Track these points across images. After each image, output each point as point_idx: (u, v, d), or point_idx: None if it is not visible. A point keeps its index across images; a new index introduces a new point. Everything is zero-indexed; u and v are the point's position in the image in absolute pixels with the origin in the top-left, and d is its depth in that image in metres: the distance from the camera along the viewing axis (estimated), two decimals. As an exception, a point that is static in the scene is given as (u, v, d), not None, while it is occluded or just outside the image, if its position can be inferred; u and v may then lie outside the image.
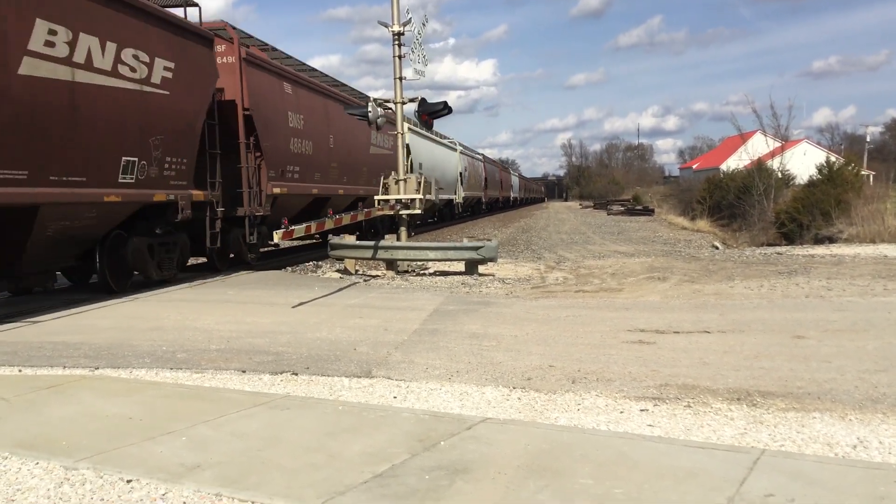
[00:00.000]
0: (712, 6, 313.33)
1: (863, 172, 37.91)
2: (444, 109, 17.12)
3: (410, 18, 16.50)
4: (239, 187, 16.17)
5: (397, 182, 16.97)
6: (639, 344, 8.07)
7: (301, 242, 24.70)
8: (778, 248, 22.77)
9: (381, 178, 17.47)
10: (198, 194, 14.59)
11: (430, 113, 17.15)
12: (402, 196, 16.85)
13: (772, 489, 3.98)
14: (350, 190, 23.42)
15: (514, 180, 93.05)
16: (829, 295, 11.32)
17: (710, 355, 7.44)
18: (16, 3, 9.88)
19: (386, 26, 16.52)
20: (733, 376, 6.62)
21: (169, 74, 13.40)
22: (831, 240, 24.56)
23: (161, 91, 13.20)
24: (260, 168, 16.83)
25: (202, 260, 17.13)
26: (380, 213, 17.18)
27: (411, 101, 17.06)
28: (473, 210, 54.73)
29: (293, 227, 13.42)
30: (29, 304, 12.06)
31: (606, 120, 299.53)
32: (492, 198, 64.31)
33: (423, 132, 36.07)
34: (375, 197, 17.32)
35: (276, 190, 17.50)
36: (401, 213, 16.99)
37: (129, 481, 4.29)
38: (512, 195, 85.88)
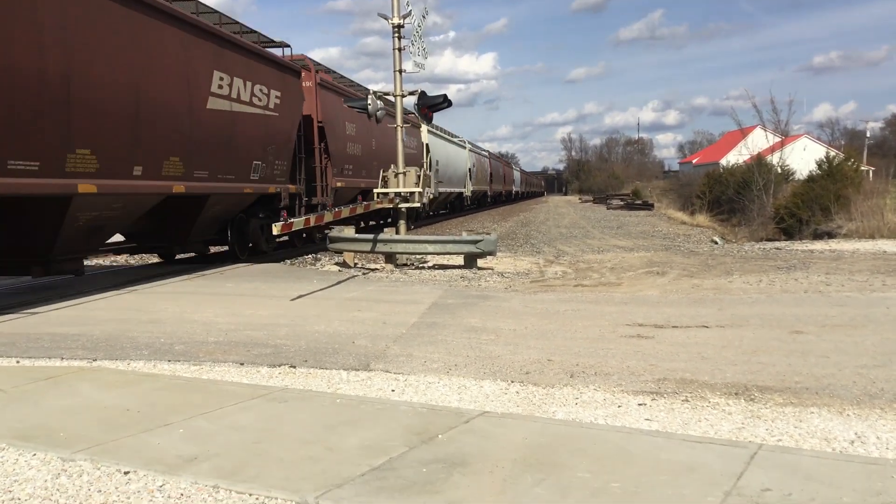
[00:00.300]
0: (713, 0, 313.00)
1: (862, 168, 37.89)
2: (444, 102, 17.10)
3: (410, 11, 16.48)
4: (312, 182, 20.66)
5: (396, 175, 16.96)
6: (637, 338, 8.07)
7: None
8: (777, 243, 22.77)
9: (381, 172, 17.47)
10: (292, 188, 19.20)
11: (429, 106, 17.13)
12: (401, 189, 16.84)
13: (769, 484, 3.98)
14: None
15: (517, 175, 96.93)
16: (828, 290, 11.32)
17: (709, 350, 7.45)
18: (205, 61, 14.61)
19: (386, 18, 16.49)
20: (731, 371, 6.62)
21: (278, 101, 17.87)
22: (830, 235, 24.55)
23: (273, 113, 17.69)
24: (327, 167, 21.36)
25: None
26: (379, 206, 17.17)
27: (411, 93, 17.03)
28: (479, 203, 57.93)
29: (292, 220, 13.41)
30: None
31: (607, 114, 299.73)
32: (496, 191, 67.85)
33: (440, 133, 40.88)
34: (375, 190, 17.32)
35: (339, 184, 22.10)
36: (400, 206, 16.98)
37: (126, 473, 4.29)
38: (514, 189, 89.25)
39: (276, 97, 17.67)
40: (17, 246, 11.42)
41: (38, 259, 11.52)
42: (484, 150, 65.61)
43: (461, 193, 46.68)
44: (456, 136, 49.57)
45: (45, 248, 11.44)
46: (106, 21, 11.61)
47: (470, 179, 49.21)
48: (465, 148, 49.26)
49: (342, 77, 26.00)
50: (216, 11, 16.37)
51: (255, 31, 18.10)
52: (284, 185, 18.65)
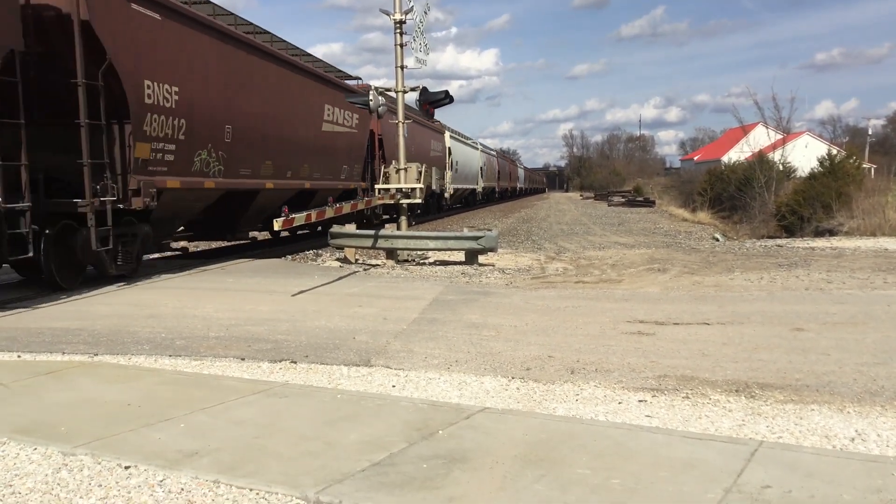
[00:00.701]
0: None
1: (864, 165, 37.88)
2: (446, 98, 17.10)
3: (412, 7, 16.46)
4: (375, 181, 22.18)
5: (398, 171, 16.96)
6: (638, 335, 8.07)
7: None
8: (778, 241, 22.75)
9: (383, 168, 17.46)
10: (363, 184, 24.71)
11: (431, 102, 17.13)
12: (402, 185, 16.84)
13: (769, 481, 3.98)
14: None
15: (521, 172, 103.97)
16: (829, 287, 11.31)
17: (710, 347, 7.45)
18: (322, 98, 20.88)
19: (388, 14, 16.47)
20: (732, 368, 6.62)
21: (356, 121, 23.77)
22: (832, 232, 24.54)
23: (354, 131, 23.79)
24: (381, 169, 22.14)
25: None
26: (380, 202, 17.16)
27: (413, 89, 17.03)
28: (488, 198, 61.90)
29: (293, 216, 13.40)
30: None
31: (608, 111, 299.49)
32: (503, 188, 73.22)
33: (459, 137, 47.61)
34: (377, 186, 17.32)
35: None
36: (401, 202, 16.97)
37: (126, 467, 4.30)
38: (519, 185, 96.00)
39: (356, 119, 23.73)
40: (219, 223, 17.36)
41: (229, 230, 17.93)
42: (493, 151, 71.01)
43: (474, 190, 52.77)
44: (469, 139, 54.84)
45: (234, 223, 17.66)
46: (272, 78, 17.61)
47: (481, 177, 54.79)
48: (477, 149, 54.55)
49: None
50: (298, 48, 20.74)
51: (336, 68, 23.77)
52: (358, 182, 24.37)
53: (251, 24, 17.81)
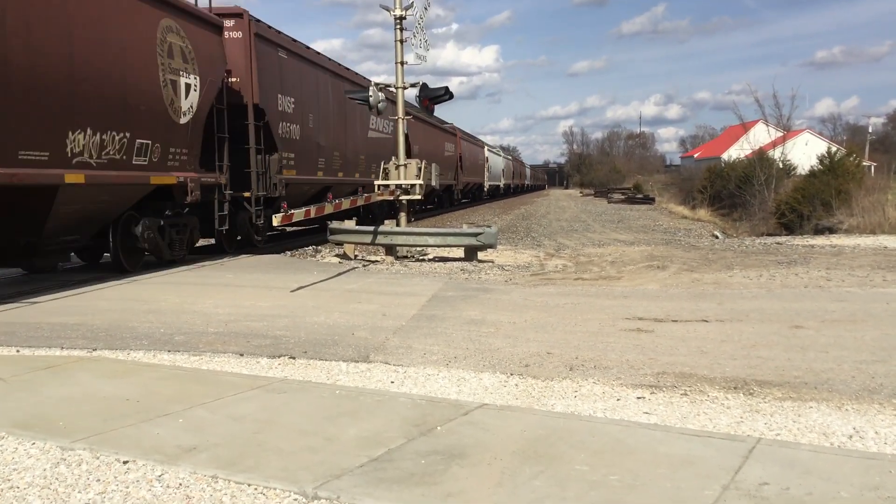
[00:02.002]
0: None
1: (864, 163, 37.88)
2: (446, 95, 17.09)
3: (413, 2, 16.42)
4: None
5: (398, 167, 16.95)
6: (637, 332, 8.07)
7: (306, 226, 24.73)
8: (778, 238, 22.75)
9: (382, 164, 17.46)
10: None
11: (431, 98, 17.11)
12: (402, 181, 16.83)
13: (767, 478, 3.99)
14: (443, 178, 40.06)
15: (527, 171, 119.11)
16: (828, 285, 11.32)
17: (708, 344, 7.45)
18: (368, 114, 24.29)
19: (388, 10, 16.44)
20: (731, 365, 6.63)
21: (391, 128, 25.14)
22: (831, 230, 24.55)
23: (389, 136, 27.00)
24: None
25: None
26: (380, 198, 17.15)
27: (412, 85, 17.01)
28: (492, 194, 69.21)
29: (293, 211, 13.39)
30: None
31: (609, 108, 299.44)
32: (508, 185, 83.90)
33: (493, 149, 71.83)
34: (376, 182, 17.32)
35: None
36: (401, 198, 16.96)
37: (125, 462, 4.30)
38: (525, 182, 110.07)
39: (391, 126, 25.10)
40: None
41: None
42: (509, 156, 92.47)
43: (497, 186, 71.28)
44: (498, 148, 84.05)
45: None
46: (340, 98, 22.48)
47: (503, 177, 75.14)
48: (499, 156, 76.26)
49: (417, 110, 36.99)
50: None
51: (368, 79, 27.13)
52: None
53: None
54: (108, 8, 12.08)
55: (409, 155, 18.84)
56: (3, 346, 7.62)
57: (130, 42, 12.62)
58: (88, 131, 11.52)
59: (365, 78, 26.35)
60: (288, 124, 18.93)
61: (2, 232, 11.32)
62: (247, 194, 16.89)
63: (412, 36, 16.55)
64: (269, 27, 18.38)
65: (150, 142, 13.19)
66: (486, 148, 63.30)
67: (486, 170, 62.36)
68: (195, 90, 14.68)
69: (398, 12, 16.35)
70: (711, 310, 9.31)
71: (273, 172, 17.70)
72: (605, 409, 5.50)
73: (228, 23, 16.55)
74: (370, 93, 16.47)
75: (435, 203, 44.03)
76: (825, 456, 4.39)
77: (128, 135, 12.50)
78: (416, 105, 19.09)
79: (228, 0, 17.18)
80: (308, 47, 21.61)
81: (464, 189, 52.29)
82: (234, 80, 16.71)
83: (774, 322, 8.48)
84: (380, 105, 16.58)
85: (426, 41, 16.72)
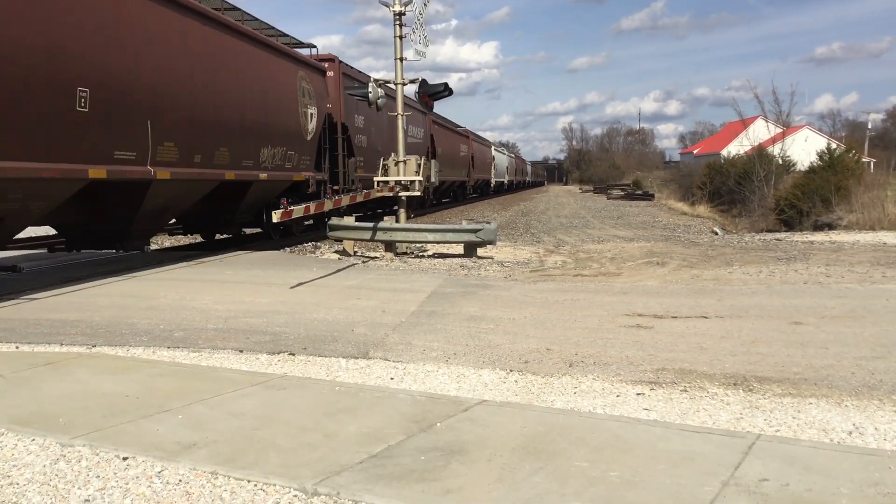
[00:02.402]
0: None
1: (864, 159, 37.85)
2: (445, 91, 17.09)
3: (412, -1, 16.41)
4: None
5: (396, 164, 16.94)
6: (636, 328, 8.07)
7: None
8: (777, 235, 22.75)
9: (382, 161, 17.45)
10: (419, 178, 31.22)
11: (430, 94, 17.12)
12: (401, 177, 16.82)
13: (766, 474, 3.99)
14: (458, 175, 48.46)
15: (528, 168, 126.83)
16: (828, 281, 11.32)
17: (708, 340, 7.45)
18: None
19: (387, 6, 16.43)
20: (730, 361, 6.63)
21: (423, 133, 33.71)
22: (831, 226, 24.53)
23: (421, 141, 33.31)
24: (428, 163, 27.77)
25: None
26: (379, 194, 17.15)
27: (412, 82, 17.01)
28: (497, 190, 74.02)
29: (292, 208, 13.40)
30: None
31: (608, 104, 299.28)
32: (518, 180, 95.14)
33: (499, 148, 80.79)
34: (375, 178, 17.31)
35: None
36: (400, 194, 16.96)
37: (125, 459, 4.30)
38: (527, 179, 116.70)
39: (423, 132, 35.08)
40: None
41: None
42: (512, 154, 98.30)
43: (502, 182, 77.17)
44: (502, 146, 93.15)
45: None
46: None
47: (507, 173, 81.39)
48: (504, 154, 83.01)
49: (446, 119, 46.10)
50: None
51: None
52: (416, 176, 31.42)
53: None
54: (279, 72, 18.82)
55: (433, 156, 19.69)
56: (2, 342, 7.61)
57: (286, 91, 19.15)
58: (269, 147, 18.03)
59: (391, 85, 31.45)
60: (360, 136, 25.91)
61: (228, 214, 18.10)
62: (336, 187, 22.91)
63: (411, 32, 16.57)
64: (350, 66, 25.95)
65: (294, 153, 19.75)
66: (492, 147, 71.46)
67: (492, 167, 66.89)
68: (314, 117, 21.12)
69: (397, 8, 16.34)
70: (711, 306, 9.31)
71: (351, 171, 24.14)
72: (605, 405, 5.50)
73: (326, 65, 23.06)
74: (370, 89, 16.46)
75: (451, 197, 50.29)
76: (825, 452, 4.39)
77: (285, 149, 19.03)
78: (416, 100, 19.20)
79: (324, 47, 22.94)
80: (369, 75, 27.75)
81: (474, 185, 57.60)
82: (329, 105, 22.74)
83: (774, 318, 8.48)
84: (379, 101, 16.57)
85: (425, 37, 16.73)
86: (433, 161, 18.64)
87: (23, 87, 10.14)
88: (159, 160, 13.36)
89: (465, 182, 51.54)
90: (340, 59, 24.77)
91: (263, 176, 17.78)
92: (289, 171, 19.57)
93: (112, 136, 12.17)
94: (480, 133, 79.93)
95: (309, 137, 20.55)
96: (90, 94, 11.36)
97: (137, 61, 12.70)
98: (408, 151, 26.95)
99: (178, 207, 15.94)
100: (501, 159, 76.74)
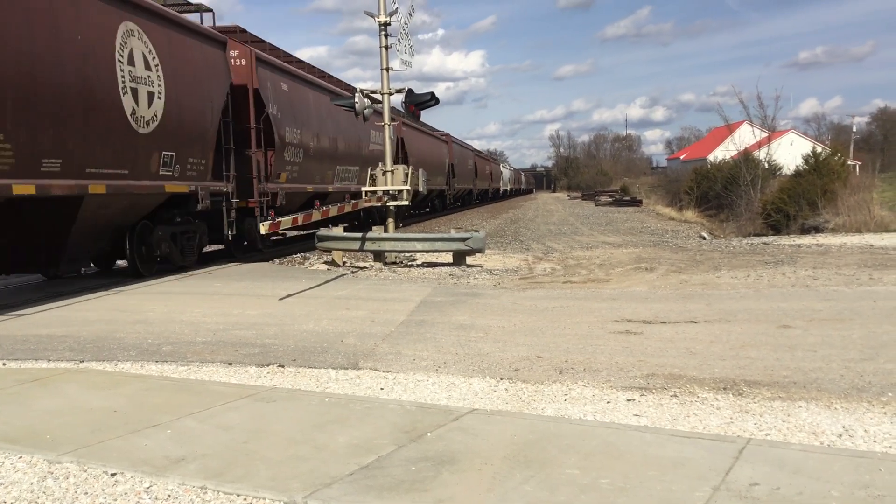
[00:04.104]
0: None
1: (849, 162, 38.10)
2: (432, 100, 17.10)
3: (397, 8, 16.45)
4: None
5: (385, 173, 16.93)
6: (626, 334, 8.08)
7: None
8: (765, 238, 22.85)
9: (370, 170, 17.44)
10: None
11: (417, 103, 17.12)
12: (389, 187, 16.82)
13: (757, 478, 3.99)
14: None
15: (522, 177, 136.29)
16: (815, 284, 11.37)
17: (697, 345, 7.46)
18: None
19: (372, 16, 16.45)
20: (720, 366, 6.64)
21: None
22: (817, 229, 24.66)
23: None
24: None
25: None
26: (366, 204, 17.13)
27: (398, 91, 17.02)
28: (493, 196, 78.50)
29: (280, 219, 13.37)
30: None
31: (595, 111, 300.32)
32: (514, 188, 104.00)
33: (505, 163, 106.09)
34: (363, 188, 17.30)
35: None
36: (388, 204, 16.95)
37: (113, 475, 4.27)
38: (521, 187, 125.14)
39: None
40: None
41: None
42: (512, 166, 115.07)
43: (505, 190, 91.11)
44: (503, 160, 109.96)
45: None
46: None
47: (506, 182, 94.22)
48: (504, 166, 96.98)
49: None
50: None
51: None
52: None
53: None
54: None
55: (405, 162, 18.67)
56: (-12, 359, 7.55)
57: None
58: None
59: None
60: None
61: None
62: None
63: (397, 42, 16.58)
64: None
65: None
66: (501, 165, 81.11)
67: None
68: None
69: (383, 18, 16.36)
70: (700, 311, 9.33)
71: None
72: (596, 411, 5.50)
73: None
74: (356, 99, 16.47)
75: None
76: (815, 455, 4.40)
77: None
78: (404, 111, 19.14)
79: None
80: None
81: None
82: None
83: (762, 322, 8.51)
84: (366, 111, 16.57)
85: (411, 47, 16.76)
86: (420, 170, 18.62)
87: None
88: None
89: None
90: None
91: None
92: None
93: None
94: (469, 141, 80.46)
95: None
96: None
97: None
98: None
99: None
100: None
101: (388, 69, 16.67)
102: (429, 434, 4.84)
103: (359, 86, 18.51)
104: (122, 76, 12.63)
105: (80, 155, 11.60)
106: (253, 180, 17.51)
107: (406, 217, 34.84)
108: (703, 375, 6.34)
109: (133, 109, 12.91)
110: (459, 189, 54.64)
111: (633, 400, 5.77)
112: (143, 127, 13.29)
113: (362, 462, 4.34)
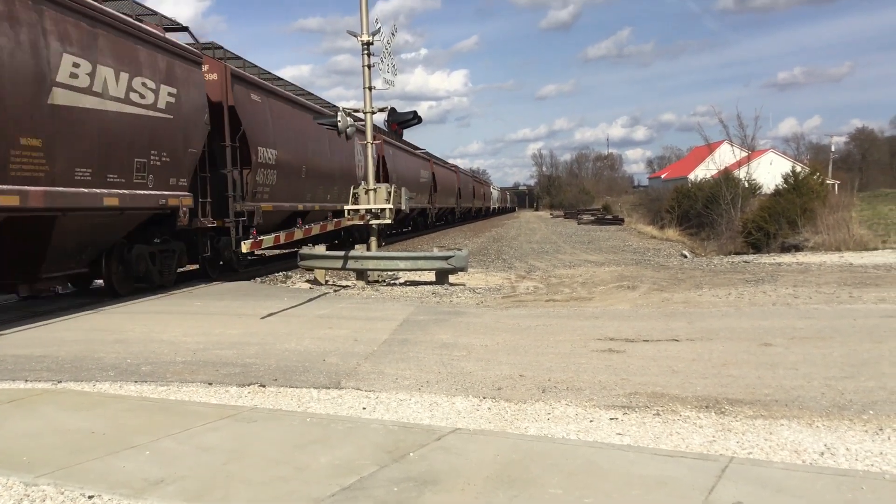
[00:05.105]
0: (679, 18, 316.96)
1: (828, 181, 38.44)
2: (414, 119, 17.12)
3: (380, 28, 16.48)
4: None
5: (367, 192, 16.92)
6: (608, 352, 8.08)
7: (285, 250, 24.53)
8: (745, 257, 23.00)
9: (352, 189, 17.41)
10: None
11: (399, 122, 17.14)
12: (371, 206, 16.80)
13: (740, 497, 3.99)
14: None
15: (509, 196, 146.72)
16: (796, 302, 11.43)
17: (679, 363, 7.47)
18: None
19: (355, 36, 16.49)
20: (702, 384, 6.65)
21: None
22: (797, 248, 24.83)
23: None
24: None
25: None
26: (349, 223, 17.10)
27: (381, 110, 17.04)
28: (476, 215, 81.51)
29: (262, 238, 13.30)
30: None
31: (577, 130, 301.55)
32: (501, 207, 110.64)
33: (498, 187, 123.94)
34: (345, 207, 17.27)
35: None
36: (371, 222, 16.93)
37: (90, 497, 4.20)
38: (507, 205, 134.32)
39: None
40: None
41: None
42: (499, 187, 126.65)
43: (489, 207, 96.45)
44: (491, 182, 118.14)
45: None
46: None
47: (497, 202, 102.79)
48: (495, 187, 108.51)
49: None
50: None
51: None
52: None
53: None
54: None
55: (386, 180, 18.17)
56: (-36, 379, 7.44)
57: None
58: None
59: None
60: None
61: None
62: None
63: (380, 61, 16.59)
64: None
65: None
66: (491, 186, 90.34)
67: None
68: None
69: (365, 38, 16.40)
70: (682, 329, 9.36)
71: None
72: (579, 430, 5.48)
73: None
74: (339, 118, 16.46)
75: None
76: (797, 473, 4.40)
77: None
78: (385, 129, 19.13)
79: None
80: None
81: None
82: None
83: (744, 340, 8.54)
84: (348, 130, 16.57)
85: (394, 66, 16.77)
86: (403, 189, 18.60)
87: None
88: None
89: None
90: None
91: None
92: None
93: None
94: (452, 160, 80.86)
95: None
96: None
97: None
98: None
99: None
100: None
101: (370, 88, 16.69)
102: (411, 454, 4.80)
103: (341, 104, 18.53)
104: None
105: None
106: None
107: (388, 235, 34.23)
108: (686, 394, 6.35)
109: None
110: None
111: (616, 419, 5.76)
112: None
113: (344, 483, 4.30)
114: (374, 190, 16.87)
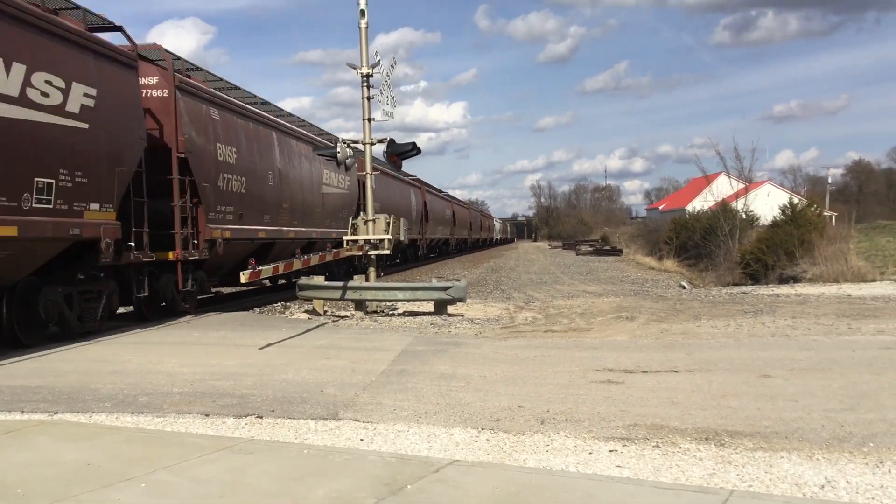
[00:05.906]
0: (675, 52, 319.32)
1: (825, 213, 38.57)
2: (413, 150, 17.21)
3: (379, 61, 16.63)
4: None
5: (366, 223, 16.95)
6: (607, 384, 8.05)
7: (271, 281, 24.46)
8: (744, 288, 23.00)
9: (351, 220, 17.44)
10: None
11: (398, 153, 17.22)
12: (370, 237, 16.83)
13: (741, 530, 3.95)
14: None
15: (508, 227, 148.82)
16: (795, 334, 11.42)
17: (678, 395, 7.44)
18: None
19: (355, 68, 16.62)
20: (701, 416, 6.62)
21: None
22: (796, 279, 24.83)
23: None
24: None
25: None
26: (347, 253, 17.11)
27: (380, 141, 17.12)
28: (484, 244, 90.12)
29: (260, 268, 13.29)
30: None
31: (575, 161, 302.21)
32: (502, 238, 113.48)
33: (498, 218, 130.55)
34: (345, 237, 17.29)
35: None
36: (370, 253, 16.94)
37: (85, 530, 4.16)
38: (507, 236, 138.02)
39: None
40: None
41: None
42: (500, 219, 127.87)
43: (492, 237, 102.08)
44: (484, 207, 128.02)
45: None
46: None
47: (498, 232, 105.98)
48: (497, 219, 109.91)
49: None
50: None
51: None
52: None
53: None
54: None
55: (365, 209, 17.63)
56: (-40, 410, 7.39)
57: None
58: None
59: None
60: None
61: None
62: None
63: (379, 93, 16.72)
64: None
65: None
66: (495, 218, 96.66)
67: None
68: None
69: (365, 70, 16.54)
70: (681, 360, 9.33)
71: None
72: (578, 463, 5.44)
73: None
74: (338, 149, 16.55)
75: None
76: (798, 506, 4.37)
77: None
78: (384, 160, 19.19)
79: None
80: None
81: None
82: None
83: (743, 371, 8.52)
84: (347, 161, 16.65)
85: (393, 98, 16.90)
86: (402, 220, 18.64)
87: None
88: None
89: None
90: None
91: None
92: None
93: None
94: (450, 191, 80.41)
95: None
96: None
97: None
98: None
99: None
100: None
101: (370, 120, 16.80)
102: (409, 486, 4.77)
103: (341, 135, 18.64)
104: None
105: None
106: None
107: (492, 245, 32.57)
108: (685, 426, 6.32)
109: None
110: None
111: (616, 451, 5.72)
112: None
113: (341, 516, 4.26)
114: (373, 220, 16.90)
